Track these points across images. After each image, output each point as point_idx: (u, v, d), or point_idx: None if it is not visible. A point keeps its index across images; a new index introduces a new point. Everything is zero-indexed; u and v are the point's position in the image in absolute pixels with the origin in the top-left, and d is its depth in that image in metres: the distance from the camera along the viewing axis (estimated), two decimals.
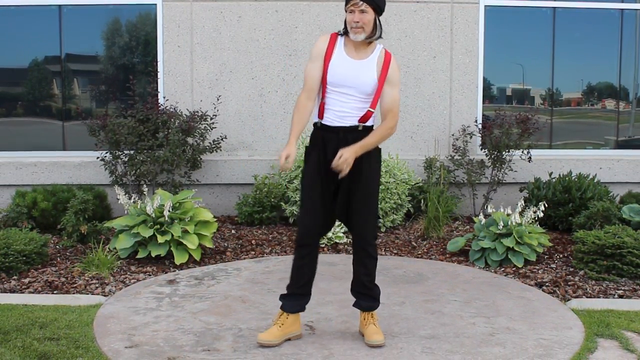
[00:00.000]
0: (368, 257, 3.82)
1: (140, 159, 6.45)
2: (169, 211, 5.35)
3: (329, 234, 5.92)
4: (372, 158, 3.74)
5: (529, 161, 6.87)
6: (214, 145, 6.74)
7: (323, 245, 5.92)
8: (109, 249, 5.47)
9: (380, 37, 3.69)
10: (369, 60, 3.69)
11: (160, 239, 5.20)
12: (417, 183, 6.72)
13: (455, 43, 7.20)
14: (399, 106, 3.80)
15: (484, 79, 7.36)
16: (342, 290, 4.63)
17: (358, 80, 3.66)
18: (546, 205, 6.05)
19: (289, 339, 3.83)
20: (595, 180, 6.60)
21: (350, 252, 5.82)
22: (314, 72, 3.69)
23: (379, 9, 3.64)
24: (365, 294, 3.87)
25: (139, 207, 5.52)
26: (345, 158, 3.58)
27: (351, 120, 3.69)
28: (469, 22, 7.20)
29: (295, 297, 3.84)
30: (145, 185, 6.43)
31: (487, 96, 7.49)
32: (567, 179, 6.53)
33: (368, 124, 3.73)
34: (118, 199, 5.73)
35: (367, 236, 3.79)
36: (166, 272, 5.22)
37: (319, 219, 3.76)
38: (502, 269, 5.31)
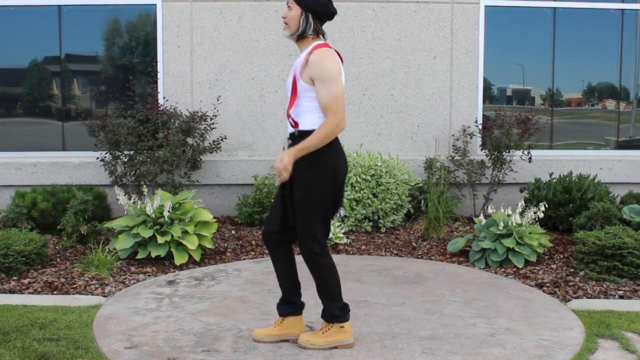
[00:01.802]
0: (311, 269, 3.69)
1: (140, 160, 6.45)
2: (168, 212, 5.34)
3: (329, 234, 5.90)
4: (299, 165, 3.55)
5: (529, 161, 6.86)
6: (213, 146, 6.73)
7: None
8: (108, 249, 5.46)
9: (303, 34, 3.54)
10: (299, 59, 3.59)
11: (160, 240, 5.20)
12: (418, 183, 6.71)
13: (456, 43, 7.19)
14: (338, 102, 3.44)
15: (484, 79, 7.36)
16: (342, 290, 4.63)
17: (287, 82, 3.64)
18: (546, 206, 6.04)
19: (287, 340, 3.82)
20: (596, 181, 6.59)
21: (351, 252, 5.83)
22: None
23: (304, 5, 3.51)
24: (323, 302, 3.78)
25: (138, 207, 5.51)
26: (280, 162, 3.52)
27: (290, 127, 3.65)
28: (469, 23, 7.19)
29: (283, 301, 3.86)
30: (145, 186, 6.42)
31: (488, 96, 7.49)
32: (567, 179, 6.53)
33: (303, 128, 3.56)
34: (118, 200, 5.73)
35: (300, 246, 3.65)
36: (166, 273, 5.21)
37: (274, 223, 3.74)
38: (503, 270, 5.30)
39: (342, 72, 3.56)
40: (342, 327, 3.72)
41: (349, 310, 3.76)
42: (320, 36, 3.60)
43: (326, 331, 3.73)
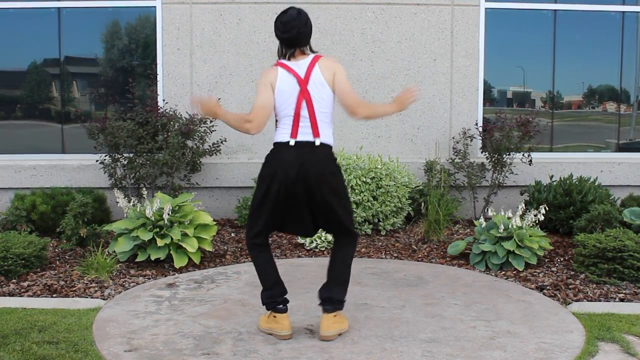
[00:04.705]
0: None
1: (139, 162, 6.44)
2: (168, 214, 5.33)
3: (329, 237, 5.90)
4: None
5: (529, 164, 6.85)
6: (213, 148, 6.73)
7: (323, 249, 5.91)
8: (108, 252, 5.45)
9: (278, 57, 4.03)
10: None
11: (160, 242, 5.19)
12: (418, 186, 6.71)
13: (456, 46, 7.19)
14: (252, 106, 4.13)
15: (485, 82, 7.36)
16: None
17: None
18: (547, 208, 6.04)
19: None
20: (596, 183, 6.59)
21: None
22: None
23: None
24: None
25: (138, 210, 5.50)
26: None
27: None
28: (470, 25, 7.19)
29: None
30: (144, 188, 6.41)
31: (488, 99, 7.48)
32: (568, 181, 6.52)
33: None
34: (117, 202, 5.72)
35: None
36: (165, 276, 5.20)
37: None
38: (503, 273, 5.29)
39: (277, 83, 4.03)
40: (275, 316, 3.91)
41: (280, 303, 3.92)
42: (285, 58, 3.94)
43: (268, 317, 3.98)
